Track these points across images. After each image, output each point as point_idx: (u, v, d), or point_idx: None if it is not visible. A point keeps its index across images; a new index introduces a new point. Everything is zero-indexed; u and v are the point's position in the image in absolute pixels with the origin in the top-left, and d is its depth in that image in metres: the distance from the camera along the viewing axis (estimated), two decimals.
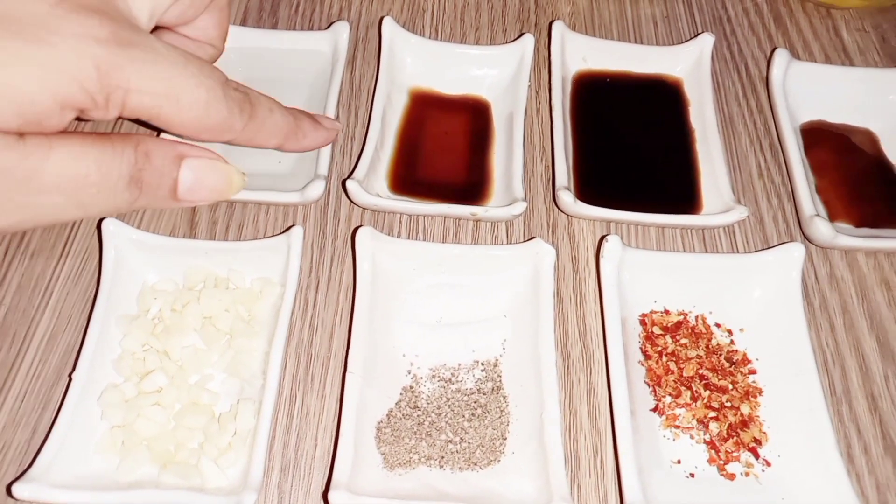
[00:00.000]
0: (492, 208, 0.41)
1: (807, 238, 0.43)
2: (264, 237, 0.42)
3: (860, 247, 0.41)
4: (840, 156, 0.47)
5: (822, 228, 0.40)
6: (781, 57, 0.47)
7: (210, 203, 0.30)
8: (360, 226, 0.38)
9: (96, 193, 0.25)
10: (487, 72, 0.47)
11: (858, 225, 0.43)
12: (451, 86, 0.47)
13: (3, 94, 0.22)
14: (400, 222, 0.43)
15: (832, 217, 0.43)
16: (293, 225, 0.39)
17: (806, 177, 0.43)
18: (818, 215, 0.41)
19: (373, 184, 0.42)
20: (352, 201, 0.41)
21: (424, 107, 0.46)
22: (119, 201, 0.27)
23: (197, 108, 0.28)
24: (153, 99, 0.26)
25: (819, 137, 0.47)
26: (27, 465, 0.33)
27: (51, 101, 0.24)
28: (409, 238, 0.43)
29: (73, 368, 0.35)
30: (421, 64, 0.47)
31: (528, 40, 0.47)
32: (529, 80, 0.46)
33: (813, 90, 0.48)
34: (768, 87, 0.48)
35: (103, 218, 0.38)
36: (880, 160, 0.47)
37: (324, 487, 0.34)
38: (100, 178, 0.25)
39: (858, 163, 0.47)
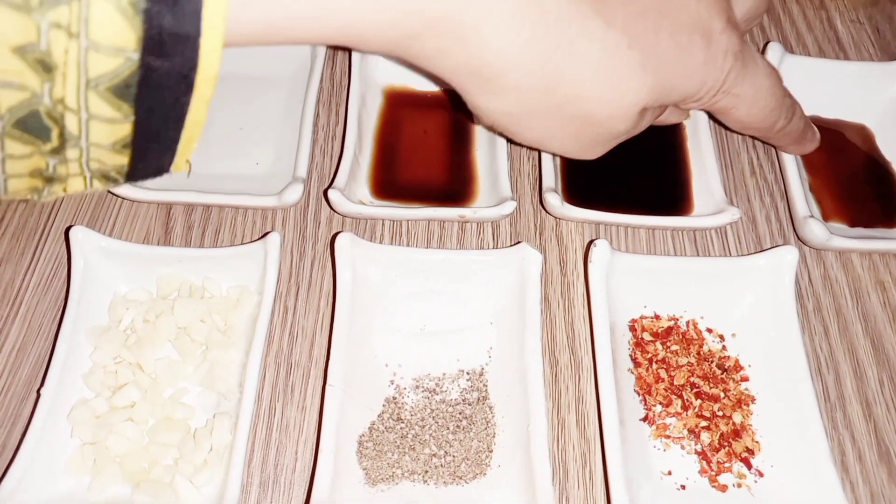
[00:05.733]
0: (480, 209, 0.40)
1: (800, 239, 0.42)
2: (242, 241, 0.40)
3: (854, 248, 0.40)
4: (833, 153, 0.46)
5: (816, 230, 0.39)
6: (774, 51, 0.46)
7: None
8: (340, 231, 0.37)
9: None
10: None
11: (852, 225, 0.42)
12: (426, 82, 0.45)
13: (682, 89, 0.32)
14: (383, 225, 0.42)
15: (825, 216, 0.42)
16: (270, 231, 0.37)
17: (799, 175, 0.42)
18: (812, 216, 0.40)
19: (354, 190, 0.40)
20: (334, 210, 0.40)
21: (401, 105, 0.45)
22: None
23: (763, 112, 0.35)
24: (737, 101, 0.34)
25: None
26: None
27: (685, 95, 0.33)
28: (392, 242, 0.41)
29: (42, 384, 0.33)
30: (394, 61, 0.46)
31: None
32: None
33: (807, 85, 0.46)
34: None
35: (71, 225, 0.36)
36: (875, 157, 0.45)
37: None
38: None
39: (852, 160, 0.45)
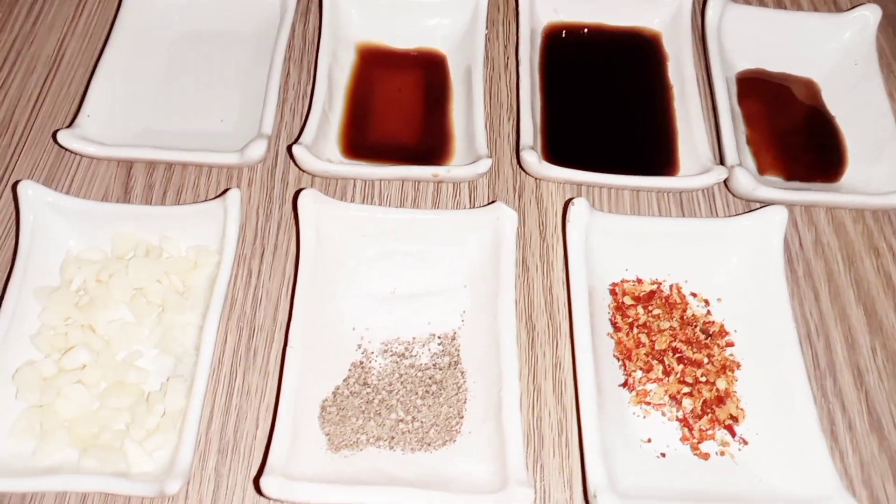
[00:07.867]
0: (454, 167, 0.38)
1: (729, 190, 0.40)
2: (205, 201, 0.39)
3: (782, 199, 0.38)
4: (775, 107, 0.43)
5: (741, 178, 0.37)
6: (717, 0, 0.44)
7: None
8: (303, 188, 0.35)
9: None
10: (440, 21, 0.43)
11: (788, 178, 0.41)
12: (401, 39, 0.44)
13: None
14: (354, 187, 0.40)
15: (761, 170, 0.40)
16: (229, 188, 0.35)
17: (734, 127, 0.40)
18: (739, 165, 0.38)
19: (323, 148, 0.38)
20: (300, 168, 0.38)
21: (374, 63, 0.43)
22: None
23: None
24: None
25: (755, 87, 0.44)
26: None
27: None
28: (363, 203, 0.39)
29: None
30: (368, 16, 0.43)
31: None
32: (486, 28, 0.42)
33: (751, 36, 0.44)
34: (703, 33, 0.44)
35: (19, 180, 0.34)
36: (818, 111, 0.43)
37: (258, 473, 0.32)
38: None
39: (794, 114, 0.43)
